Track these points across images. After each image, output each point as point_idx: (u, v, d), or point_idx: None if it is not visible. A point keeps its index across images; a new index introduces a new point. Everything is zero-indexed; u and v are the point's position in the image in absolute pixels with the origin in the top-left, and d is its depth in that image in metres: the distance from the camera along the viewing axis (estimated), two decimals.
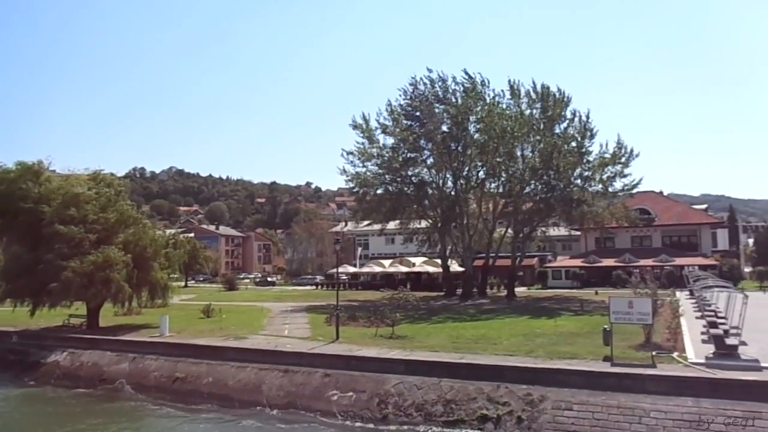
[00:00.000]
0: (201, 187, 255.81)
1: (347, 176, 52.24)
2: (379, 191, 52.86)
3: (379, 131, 51.17)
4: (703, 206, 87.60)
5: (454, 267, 58.30)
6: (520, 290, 56.29)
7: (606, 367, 18.59)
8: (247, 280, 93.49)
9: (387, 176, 51.59)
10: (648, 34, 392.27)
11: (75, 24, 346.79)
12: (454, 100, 49.39)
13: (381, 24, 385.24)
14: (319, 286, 73.12)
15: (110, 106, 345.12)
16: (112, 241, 32.20)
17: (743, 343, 21.78)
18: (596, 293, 48.29)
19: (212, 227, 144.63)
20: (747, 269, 69.93)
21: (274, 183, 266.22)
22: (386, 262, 68.17)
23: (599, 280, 59.31)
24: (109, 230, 32.77)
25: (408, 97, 49.94)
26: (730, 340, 20.88)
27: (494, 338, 25.57)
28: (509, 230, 54.23)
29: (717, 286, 30.20)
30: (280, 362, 22.77)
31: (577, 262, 65.44)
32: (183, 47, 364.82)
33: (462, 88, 49.78)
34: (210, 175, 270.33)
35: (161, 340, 28.43)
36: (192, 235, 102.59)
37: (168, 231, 57.35)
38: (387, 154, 50.66)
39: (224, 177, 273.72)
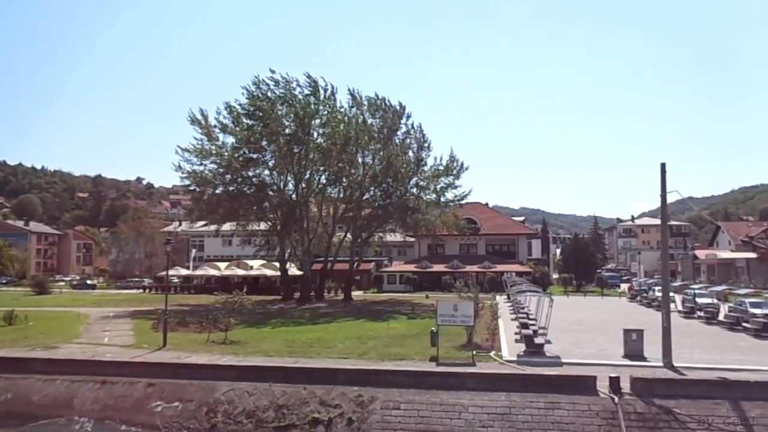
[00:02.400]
0: (8, 177, 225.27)
1: (183, 173, 49.62)
2: (217, 191, 50.92)
3: (218, 129, 49.32)
4: (522, 218, 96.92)
5: (293, 270, 58.04)
6: (356, 294, 57.58)
7: (432, 367, 19.69)
8: (63, 283, 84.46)
9: (226, 176, 49.88)
10: (480, 55, 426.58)
11: None
12: (298, 103, 49.23)
13: (227, 19, 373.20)
14: (147, 290, 68.42)
15: None
16: None
17: (548, 342, 24.44)
18: (427, 297, 51.02)
19: (21, 223, 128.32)
20: (555, 276, 78.36)
21: (99, 176, 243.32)
22: (222, 265, 65.79)
23: (430, 284, 62.89)
24: None
25: (251, 96, 48.75)
26: (538, 340, 23.32)
27: (329, 342, 25.85)
28: (348, 235, 55.33)
29: (529, 291, 33.42)
30: (98, 373, 20.83)
31: (411, 267, 68.65)
32: None
33: (306, 92, 49.89)
34: (20, 164, 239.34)
35: None
36: None
37: None
38: (227, 153, 48.96)
39: (38, 167, 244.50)
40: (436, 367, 19.63)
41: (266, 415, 17.56)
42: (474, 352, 21.76)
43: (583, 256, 71.46)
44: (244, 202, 50.59)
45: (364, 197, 52.55)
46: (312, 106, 49.13)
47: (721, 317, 34.36)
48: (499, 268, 65.30)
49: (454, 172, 52.17)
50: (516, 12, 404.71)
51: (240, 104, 48.89)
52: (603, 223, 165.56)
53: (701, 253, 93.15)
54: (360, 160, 51.31)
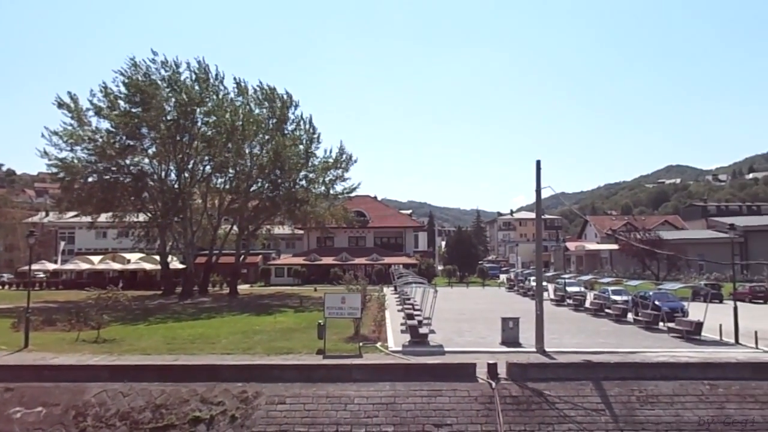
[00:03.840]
0: None
1: (50, 160, 45.54)
2: (90, 179, 47.29)
3: (92, 113, 45.74)
4: (409, 211, 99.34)
5: (175, 264, 55.49)
6: (243, 288, 56.27)
7: (318, 360, 19.63)
8: None
9: (100, 164, 46.44)
10: (370, 53, 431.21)
11: None
12: (183, 88, 46.84)
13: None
14: (7, 286, 62.33)
15: None
16: None
17: (433, 332, 25.26)
18: (315, 290, 50.83)
19: None
20: (440, 267, 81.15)
21: None
22: (96, 258, 61.39)
23: (319, 277, 62.78)
24: None
25: (130, 78, 45.67)
26: (423, 330, 23.99)
27: (212, 337, 25.00)
28: (234, 227, 53.78)
29: (415, 283, 34.33)
30: None
31: (300, 260, 68.13)
32: None
33: (194, 77, 47.59)
34: None
35: None
36: None
37: None
38: (101, 139, 45.59)
39: None
40: (322, 360, 19.60)
41: (142, 416, 16.62)
42: (361, 344, 21.97)
43: (466, 248, 74.60)
44: (121, 192, 47.46)
45: (252, 188, 51.23)
46: (197, 93, 46.95)
47: (587, 304, 37.26)
48: (387, 260, 66.55)
49: (344, 164, 52.24)
50: (406, 13, 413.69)
51: (118, 85, 45.73)
52: (485, 216, 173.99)
53: (571, 245, 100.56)
54: (247, 150, 49.82)
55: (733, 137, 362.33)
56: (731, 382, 16.87)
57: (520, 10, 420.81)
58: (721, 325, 24.60)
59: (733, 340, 23.79)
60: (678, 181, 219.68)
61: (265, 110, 50.45)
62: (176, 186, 48.76)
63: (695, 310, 28.02)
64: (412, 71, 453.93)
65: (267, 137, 49.86)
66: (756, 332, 23.32)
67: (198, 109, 47.24)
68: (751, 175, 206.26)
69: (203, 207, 52.00)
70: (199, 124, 47.98)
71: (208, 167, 50.48)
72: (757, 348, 22.37)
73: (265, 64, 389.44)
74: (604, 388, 16.61)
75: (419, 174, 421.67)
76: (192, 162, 49.15)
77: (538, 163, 22.58)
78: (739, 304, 25.98)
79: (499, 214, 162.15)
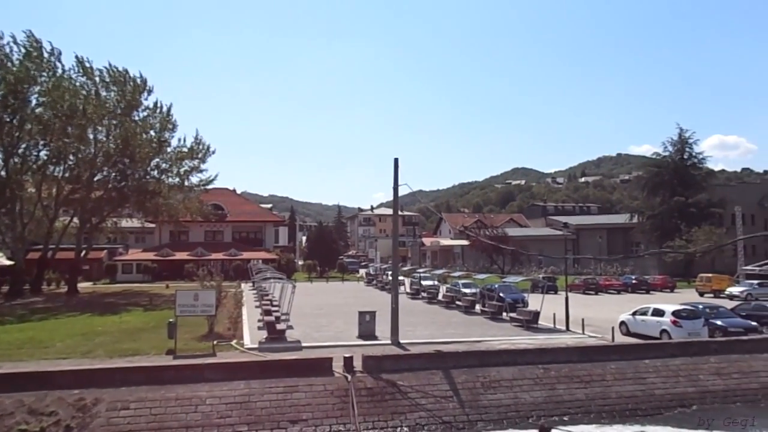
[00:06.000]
0: None
1: None
2: None
3: None
4: (270, 206, 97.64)
5: (1, 260, 49.49)
6: (84, 286, 51.91)
7: (168, 361, 18.63)
8: None
9: None
10: (229, 42, 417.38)
11: None
12: (10, 63, 41.79)
13: None
14: None
15: None
16: None
17: (290, 327, 25.08)
18: (167, 287, 48.23)
19: None
20: (300, 262, 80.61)
21: None
22: None
23: (172, 273, 59.41)
24: None
25: None
26: (280, 326, 23.75)
27: (45, 341, 22.71)
28: (75, 219, 49.27)
29: (274, 278, 33.81)
30: None
31: (150, 255, 64.15)
32: None
33: (24, 52, 42.59)
34: None
35: None
36: None
37: None
38: None
39: None
40: (172, 361, 18.64)
41: None
42: (215, 342, 21.23)
43: (327, 244, 74.77)
44: None
45: (96, 178, 47.22)
46: (29, 71, 42.03)
47: (440, 297, 39.14)
48: (246, 255, 64.83)
49: (200, 155, 50.03)
50: (269, 5, 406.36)
51: None
52: (346, 212, 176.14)
53: (427, 241, 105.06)
54: (91, 136, 45.77)
55: (569, 144, 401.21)
56: (561, 366, 18.65)
57: (383, 6, 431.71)
58: (554, 314, 27.14)
59: (564, 327, 26.35)
60: (523, 182, 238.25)
61: (113, 94, 46.67)
62: (4, 173, 43.47)
63: (534, 301, 30.58)
64: (274, 64, 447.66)
65: (115, 122, 46.19)
66: (583, 320, 26.06)
67: (30, 88, 42.42)
68: (583, 179, 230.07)
69: (37, 197, 46.87)
70: (32, 104, 43.16)
71: (43, 153, 45.66)
72: (583, 334, 24.99)
73: (118, 50, 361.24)
74: (452, 376, 17.53)
75: (281, 168, 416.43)
76: (24, 146, 44.15)
77: (396, 161, 23.23)
78: (573, 294, 28.89)
79: (360, 209, 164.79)
